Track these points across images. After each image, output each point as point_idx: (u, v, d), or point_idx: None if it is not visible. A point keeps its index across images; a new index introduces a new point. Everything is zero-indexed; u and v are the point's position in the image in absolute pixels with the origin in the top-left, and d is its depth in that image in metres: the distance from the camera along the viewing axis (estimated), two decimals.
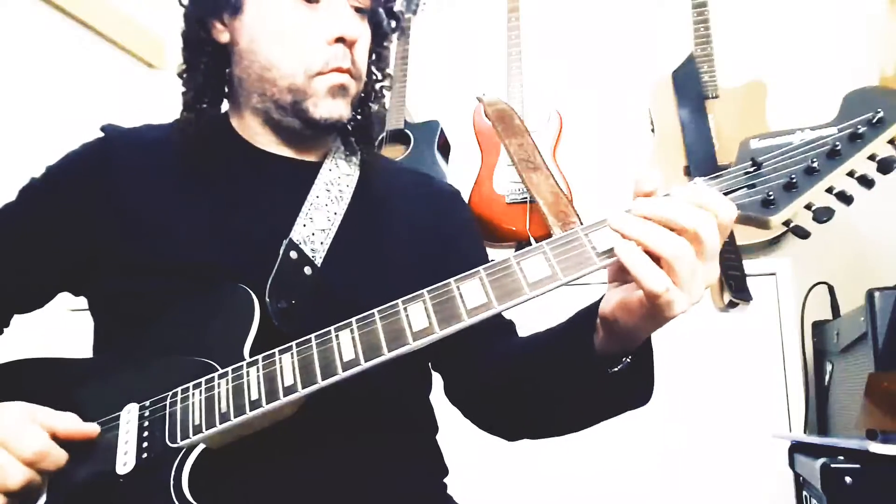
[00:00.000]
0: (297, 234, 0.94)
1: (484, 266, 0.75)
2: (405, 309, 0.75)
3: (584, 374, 0.78)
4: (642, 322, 0.71)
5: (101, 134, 1.01)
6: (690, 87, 2.15)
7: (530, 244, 2.14)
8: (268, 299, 0.87)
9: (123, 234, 0.93)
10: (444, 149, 2.34)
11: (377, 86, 1.08)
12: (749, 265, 1.93)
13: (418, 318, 0.74)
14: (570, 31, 2.41)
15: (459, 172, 2.23)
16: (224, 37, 0.98)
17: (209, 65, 1.00)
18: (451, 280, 0.75)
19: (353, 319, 0.77)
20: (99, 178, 0.96)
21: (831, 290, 1.90)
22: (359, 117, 1.06)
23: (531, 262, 0.73)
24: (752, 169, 0.75)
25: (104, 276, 0.94)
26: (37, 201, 0.98)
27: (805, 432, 1.81)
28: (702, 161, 2.06)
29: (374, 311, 0.77)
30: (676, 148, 2.12)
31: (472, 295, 0.73)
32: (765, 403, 1.85)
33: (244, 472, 0.83)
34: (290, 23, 0.93)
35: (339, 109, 0.96)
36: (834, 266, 1.93)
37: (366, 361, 0.74)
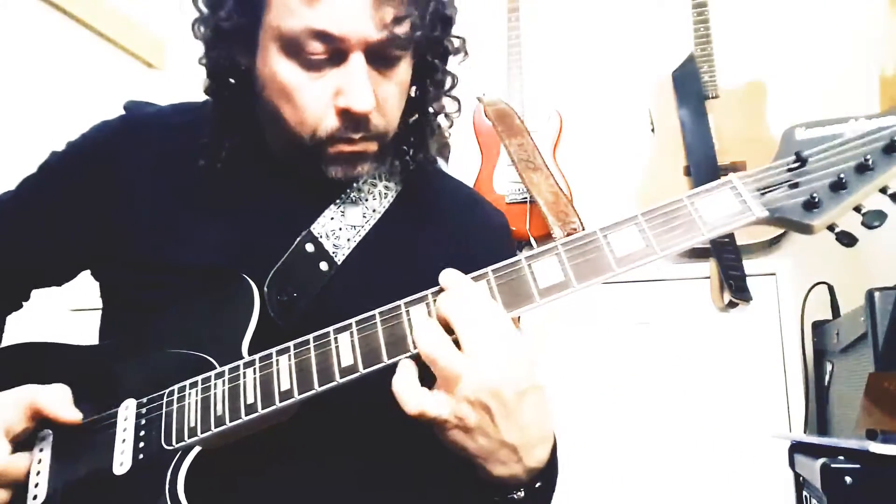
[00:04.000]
0: (319, 226, 0.89)
1: (492, 267, 0.73)
2: (408, 312, 0.73)
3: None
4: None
5: (124, 111, 0.97)
6: (690, 87, 2.15)
7: (530, 244, 2.15)
8: (266, 289, 0.84)
9: (128, 231, 0.90)
10: (444, 149, 2.34)
11: (433, 113, 0.94)
12: (749, 265, 1.93)
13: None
14: (570, 31, 2.41)
15: (459, 172, 2.23)
16: (246, 62, 0.86)
17: (235, 92, 0.90)
18: None
19: (353, 321, 0.75)
20: (109, 166, 0.92)
21: (831, 290, 1.90)
22: (412, 138, 0.94)
23: (543, 266, 0.71)
24: (795, 165, 0.67)
25: (110, 265, 0.93)
26: (49, 182, 0.95)
27: (805, 432, 1.81)
28: (702, 161, 2.06)
29: (376, 312, 0.75)
30: (676, 148, 2.12)
31: None
32: (765, 403, 1.85)
33: (241, 474, 0.82)
34: (293, 85, 0.81)
35: (356, 171, 0.86)
36: (834, 266, 1.93)
37: (364, 368, 0.72)
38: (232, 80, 0.88)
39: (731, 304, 1.90)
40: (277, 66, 0.81)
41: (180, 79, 2.38)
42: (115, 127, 0.95)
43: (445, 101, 0.94)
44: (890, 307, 1.37)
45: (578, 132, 2.30)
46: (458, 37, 0.91)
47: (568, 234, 2.04)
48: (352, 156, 0.84)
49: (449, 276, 0.72)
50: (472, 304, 0.69)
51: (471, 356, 0.67)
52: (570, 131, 2.28)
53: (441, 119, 0.95)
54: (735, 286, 1.89)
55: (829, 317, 1.87)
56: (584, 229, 2.31)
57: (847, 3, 2.16)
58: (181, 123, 0.95)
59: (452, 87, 0.95)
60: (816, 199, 0.65)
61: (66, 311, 1.89)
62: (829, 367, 1.78)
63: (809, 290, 1.91)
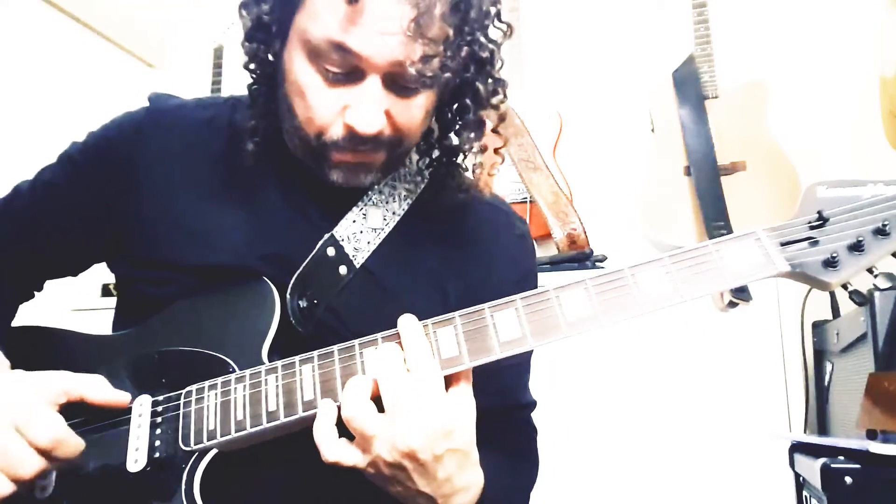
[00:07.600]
0: (342, 229, 0.88)
1: (521, 295, 0.74)
2: (435, 332, 0.74)
3: None
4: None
5: (148, 103, 0.95)
6: (690, 87, 2.15)
7: None
8: (288, 296, 0.84)
9: (147, 227, 0.89)
10: None
11: (463, 151, 0.91)
12: None
13: (448, 346, 0.73)
14: (570, 31, 2.41)
15: None
16: (277, 50, 0.86)
17: (267, 76, 0.88)
18: (486, 307, 0.74)
19: (379, 336, 0.75)
20: (131, 160, 0.91)
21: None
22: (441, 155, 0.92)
23: (570, 296, 0.72)
24: (817, 223, 0.72)
25: (128, 259, 0.92)
26: (69, 173, 0.94)
27: (805, 432, 1.82)
28: (702, 161, 2.06)
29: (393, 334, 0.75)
30: (676, 148, 2.12)
31: (506, 327, 0.72)
32: (765, 403, 1.85)
33: (255, 476, 0.82)
34: (309, 87, 0.80)
35: (358, 180, 0.85)
36: None
37: None
38: (266, 68, 0.87)
39: (731, 304, 1.90)
40: (298, 66, 0.81)
41: (180, 78, 2.39)
42: (138, 119, 0.94)
43: (488, 137, 0.91)
44: (890, 307, 1.37)
45: (578, 132, 2.30)
46: (497, 78, 0.88)
47: (568, 235, 2.05)
48: (355, 165, 0.84)
49: (402, 325, 0.74)
50: (401, 369, 0.71)
51: (389, 419, 0.69)
52: (570, 131, 2.28)
53: (483, 156, 0.92)
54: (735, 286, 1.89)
55: (829, 317, 1.87)
56: (584, 229, 2.30)
57: (847, 3, 2.16)
58: (204, 118, 0.94)
59: (499, 123, 0.92)
60: (836, 259, 0.70)
61: (68, 311, 1.89)
62: (829, 367, 1.78)
63: (809, 290, 1.91)
